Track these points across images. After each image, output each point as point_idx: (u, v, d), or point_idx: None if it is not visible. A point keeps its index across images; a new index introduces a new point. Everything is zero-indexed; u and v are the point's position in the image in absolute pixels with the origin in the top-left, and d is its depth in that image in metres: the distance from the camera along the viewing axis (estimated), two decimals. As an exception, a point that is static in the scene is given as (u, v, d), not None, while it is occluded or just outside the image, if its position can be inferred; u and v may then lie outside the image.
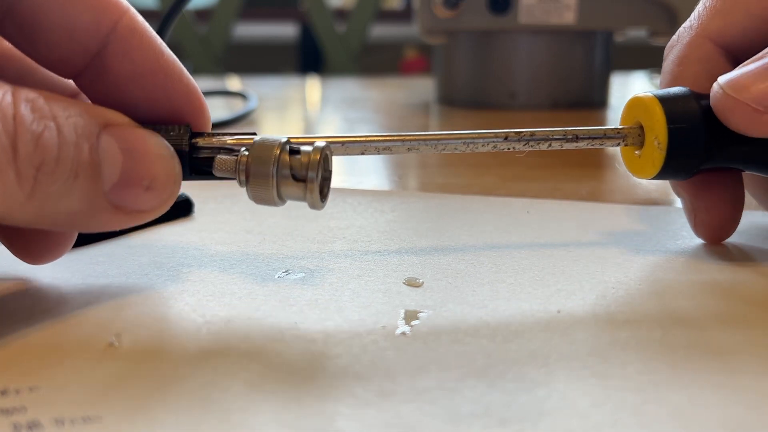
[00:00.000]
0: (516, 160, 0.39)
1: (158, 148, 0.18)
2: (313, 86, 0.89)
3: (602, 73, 0.62)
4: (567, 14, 0.57)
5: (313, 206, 0.19)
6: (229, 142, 0.19)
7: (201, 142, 0.19)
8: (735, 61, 0.23)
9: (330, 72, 1.37)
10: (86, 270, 0.21)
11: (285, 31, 2.27)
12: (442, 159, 0.41)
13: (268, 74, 1.11)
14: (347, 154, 0.21)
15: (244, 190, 0.19)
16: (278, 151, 0.18)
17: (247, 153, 0.19)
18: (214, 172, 0.19)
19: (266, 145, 0.18)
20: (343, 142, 0.20)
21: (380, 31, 1.68)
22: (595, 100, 0.61)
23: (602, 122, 0.55)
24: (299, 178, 0.18)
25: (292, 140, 0.19)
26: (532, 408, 0.14)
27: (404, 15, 1.94)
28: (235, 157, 0.19)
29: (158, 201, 0.18)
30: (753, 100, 0.20)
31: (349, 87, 0.86)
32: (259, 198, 0.19)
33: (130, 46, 0.18)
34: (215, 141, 0.19)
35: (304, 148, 0.18)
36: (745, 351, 0.16)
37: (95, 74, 0.19)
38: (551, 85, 0.60)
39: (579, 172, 0.37)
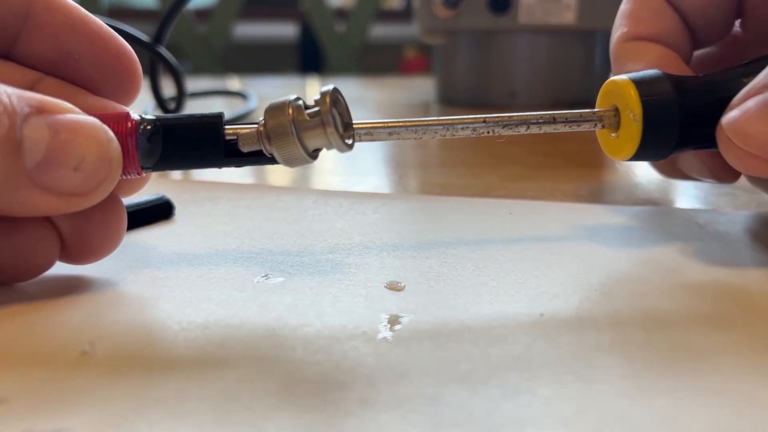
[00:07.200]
0: (516, 160, 0.39)
1: (92, 130, 0.17)
2: (313, 86, 0.89)
3: (602, 72, 0.61)
4: (567, 14, 0.57)
5: (340, 149, 0.20)
6: (248, 126, 0.20)
7: (226, 129, 0.20)
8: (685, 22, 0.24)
9: (330, 72, 1.37)
10: (58, 275, 0.21)
11: (285, 31, 2.27)
12: (442, 159, 0.41)
13: (268, 74, 1.11)
14: None
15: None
16: (290, 109, 0.19)
17: (263, 120, 0.20)
18: (240, 148, 0.20)
19: (278, 107, 0.20)
20: None
21: (380, 31, 1.68)
22: (595, 100, 0.61)
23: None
24: (317, 126, 0.19)
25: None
26: (515, 415, 0.14)
27: (404, 15, 1.94)
28: (255, 128, 0.20)
29: (90, 184, 0.17)
30: (759, 149, 0.20)
31: (349, 87, 0.85)
32: (290, 159, 0.20)
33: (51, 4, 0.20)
34: (236, 128, 0.20)
35: (314, 98, 0.20)
36: (730, 353, 0.16)
37: (30, 35, 0.20)
38: (551, 85, 0.60)
39: (579, 172, 0.36)
